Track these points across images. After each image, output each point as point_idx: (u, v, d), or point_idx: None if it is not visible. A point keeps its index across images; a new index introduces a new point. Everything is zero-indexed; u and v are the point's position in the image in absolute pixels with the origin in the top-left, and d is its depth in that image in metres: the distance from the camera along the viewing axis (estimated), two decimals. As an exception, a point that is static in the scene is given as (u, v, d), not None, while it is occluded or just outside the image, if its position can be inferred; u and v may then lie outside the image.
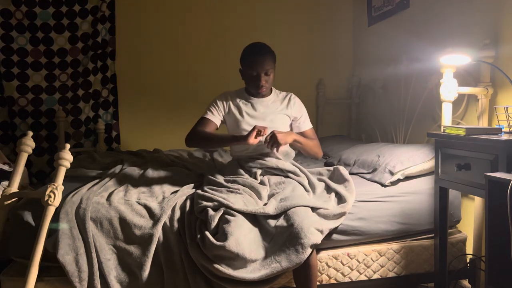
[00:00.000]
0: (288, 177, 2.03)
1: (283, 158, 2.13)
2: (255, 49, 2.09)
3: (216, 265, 1.63)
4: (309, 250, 1.63)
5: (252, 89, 2.12)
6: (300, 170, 2.08)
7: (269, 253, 1.67)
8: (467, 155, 1.64)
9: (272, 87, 2.20)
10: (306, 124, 2.22)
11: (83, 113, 3.33)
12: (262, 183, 1.98)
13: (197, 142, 2.17)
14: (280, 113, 2.13)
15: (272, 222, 1.74)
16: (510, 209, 1.23)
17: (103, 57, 3.34)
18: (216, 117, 2.14)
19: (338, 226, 1.85)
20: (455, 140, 1.70)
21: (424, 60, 2.46)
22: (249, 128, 2.03)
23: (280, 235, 1.69)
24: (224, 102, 2.16)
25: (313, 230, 1.68)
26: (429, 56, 2.33)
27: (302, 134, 2.18)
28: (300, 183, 1.98)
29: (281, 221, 1.71)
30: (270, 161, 2.06)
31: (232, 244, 1.62)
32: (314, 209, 1.80)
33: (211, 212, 1.74)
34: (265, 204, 1.83)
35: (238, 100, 2.16)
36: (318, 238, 1.68)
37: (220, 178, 2.02)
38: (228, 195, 1.83)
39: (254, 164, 2.06)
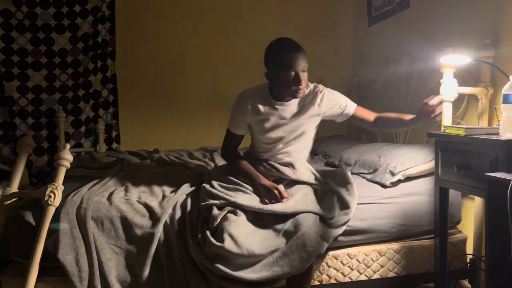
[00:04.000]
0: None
1: (304, 170, 1.98)
2: (288, 45, 1.83)
3: (217, 264, 1.63)
4: (312, 259, 1.63)
5: (288, 92, 1.84)
6: (316, 178, 1.99)
7: (272, 255, 1.66)
8: (467, 155, 1.64)
9: None
10: (350, 107, 1.98)
11: (83, 113, 3.33)
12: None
13: (229, 164, 2.04)
14: (308, 118, 1.93)
15: (279, 226, 1.72)
16: (510, 209, 1.23)
17: (103, 57, 3.34)
18: (241, 129, 1.97)
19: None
20: (455, 140, 1.70)
21: (424, 60, 2.46)
22: (274, 137, 1.94)
23: (286, 239, 1.68)
24: (245, 114, 1.92)
25: (319, 239, 1.68)
26: (429, 56, 2.33)
27: (354, 116, 1.99)
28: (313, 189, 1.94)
29: (289, 225, 1.70)
30: (286, 172, 1.94)
31: (231, 243, 1.62)
32: (320, 217, 1.79)
33: (215, 211, 1.73)
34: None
35: (261, 106, 1.90)
36: (322, 248, 1.69)
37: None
38: (236, 193, 1.81)
39: (268, 171, 1.95)
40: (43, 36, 3.20)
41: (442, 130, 1.89)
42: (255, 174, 1.90)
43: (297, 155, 2.01)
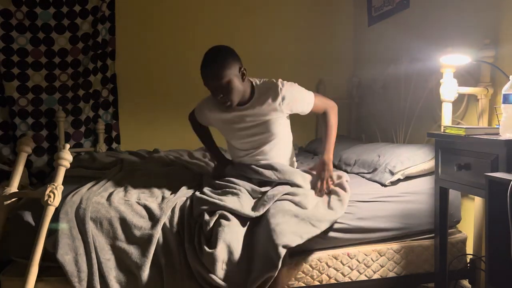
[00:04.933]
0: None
1: (286, 171, 1.94)
2: (205, 59, 1.80)
3: (210, 275, 1.63)
4: (282, 254, 1.58)
5: (220, 102, 1.85)
6: (304, 179, 1.95)
7: (252, 258, 1.66)
8: (467, 155, 1.64)
9: (253, 82, 1.92)
10: (309, 104, 1.95)
11: (83, 113, 3.33)
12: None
13: (194, 130, 2.21)
14: (273, 117, 1.91)
15: (258, 226, 1.73)
16: (510, 209, 1.23)
17: (103, 57, 3.34)
18: (201, 122, 2.13)
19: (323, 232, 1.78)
20: (455, 140, 1.70)
21: (424, 60, 2.46)
22: (238, 142, 1.99)
23: (260, 238, 1.67)
24: (203, 117, 2.06)
25: (289, 235, 1.63)
26: (429, 56, 2.33)
27: (311, 112, 2.00)
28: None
29: (262, 225, 1.70)
30: (267, 174, 1.93)
31: (222, 250, 1.63)
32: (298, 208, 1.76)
33: (206, 216, 1.73)
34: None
35: (218, 113, 1.95)
36: (293, 242, 1.63)
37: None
38: (226, 197, 1.80)
39: (251, 175, 1.96)
40: (43, 36, 3.20)
41: (442, 130, 1.89)
42: (215, 155, 2.16)
43: (275, 156, 1.99)
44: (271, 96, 1.87)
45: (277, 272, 1.58)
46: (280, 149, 2.01)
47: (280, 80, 1.91)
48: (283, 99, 1.87)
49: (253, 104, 1.90)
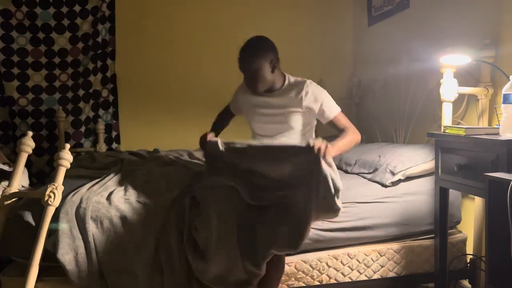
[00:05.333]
0: None
1: None
2: (243, 44, 1.97)
3: (209, 263, 1.63)
4: (266, 259, 1.62)
5: (248, 87, 2.00)
6: None
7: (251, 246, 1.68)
8: (467, 155, 1.64)
9: (286, 75, 2.03)
10: (331, 110, 1.98)
11: (83, 113, 3.32)
12: None
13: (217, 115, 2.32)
14: (293, 110, 1.96)
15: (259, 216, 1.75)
16: (510, 209, 1.23)
17: (103, 57, 3.34)
18: (232, 107, 2.23)
19: None
20: (455, 140, 1.70)
21: (424, 60, 2.46)
22: (257, 126, 2.06)
23: (259, 232, 1.70)
24: (236, 99, 2.17)
25: (281, 243, 1.63)
26: (429, 56, 2.33)
27: (331, 123, 2.00)
28: None
29: (263, 221, 1.72)
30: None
31: (208, 226, 1.66)
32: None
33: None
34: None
35: (249, 96, 2.05)
36: (281, 251, 1.66)
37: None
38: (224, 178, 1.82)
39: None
40: (43, 36, 3.20)
41: (442, 130, 1.89)
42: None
43: None
44: (296, 89, 1.98)
45: (262, 271, 1.61)
46: None
47: (310, 80, 2.02)
48: (306, 94, 1.95)
49: (279, 94, 2.00)
